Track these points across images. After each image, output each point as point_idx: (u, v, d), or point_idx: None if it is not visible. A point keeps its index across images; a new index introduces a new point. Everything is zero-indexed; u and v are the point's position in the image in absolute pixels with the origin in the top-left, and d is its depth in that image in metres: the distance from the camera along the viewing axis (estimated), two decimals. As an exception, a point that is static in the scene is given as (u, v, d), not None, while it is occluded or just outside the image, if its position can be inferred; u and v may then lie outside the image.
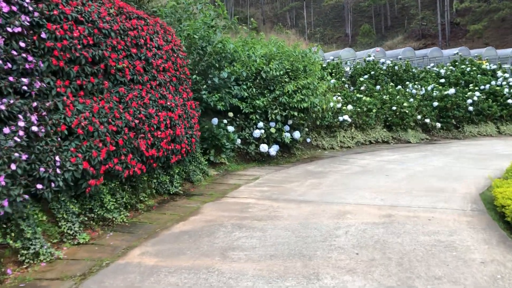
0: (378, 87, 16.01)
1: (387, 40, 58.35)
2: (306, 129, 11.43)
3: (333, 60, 18.96)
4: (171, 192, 6.55)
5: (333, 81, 16.10)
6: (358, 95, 14.17)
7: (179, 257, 4.02)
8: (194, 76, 8.30)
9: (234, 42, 9.48)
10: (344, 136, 12.55)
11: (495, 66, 17.61)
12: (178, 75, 7.04)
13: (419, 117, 13.89)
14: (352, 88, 17.11)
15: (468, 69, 17.49)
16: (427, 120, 14.12)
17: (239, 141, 9.44)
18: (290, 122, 10.13)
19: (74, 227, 4.42)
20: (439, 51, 23.71)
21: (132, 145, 5.36)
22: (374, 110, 13.31)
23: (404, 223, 4.97)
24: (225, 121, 9.36)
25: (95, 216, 4.85)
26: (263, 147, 9.36)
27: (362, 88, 15.72)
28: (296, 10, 76.42)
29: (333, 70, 17.90)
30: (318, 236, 4.55)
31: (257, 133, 9.44)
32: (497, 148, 11.67)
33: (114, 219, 5.01)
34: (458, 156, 10.30)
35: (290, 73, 9.82)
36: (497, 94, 15.30)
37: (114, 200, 5.19)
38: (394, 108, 13.72)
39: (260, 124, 9.55)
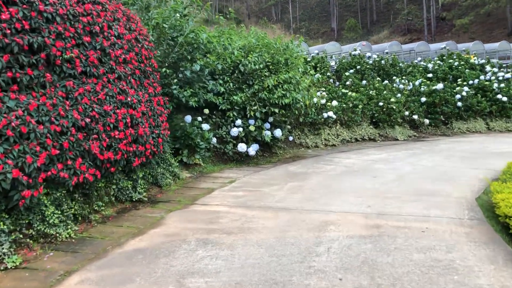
0: (364, 82, 15.42)
1: (373, 35, 57.98)
2: (289, 127, 10.78)
3: (317, 54, 18.32)
4: (134, 199, 5.82)
5: (317, 75, 15.47)
6: (343, 90, 13.55)
7: (125, 287, 3.31)
8: (164, 69, 7.55)
9: (208, 32, 8.74)
10: (329, 133, 11.92)
11: (483, 61, 17.14)
12: (142, 67, 6.29)
13: (406, 113, 13.33)
14: (337, 83, 16.51)
15: (456, 63, 17.01)
16: (415, 116, 13.57)
17: (215, 140, 8.72)
18: (270, 119, 9.45)
19: (2, 249, 3.68)
20: (426, 45, 23.22)
21: (81, 147, 4.62)
22: (360, 106, 12.71)
23: (394, 236, 4.33)
24: (199, 118, 8.64)
25: (34, 232, 4.12)
26: (241, 147, 8.66)
27: (347, 83, 15.11)
28: (282, 4, 75.67)
29: (318, 65, 17.26)
30: (296, 254, 3.89)
31: (234, 131, 8.74)
32: (488, 145, 11.15)
33: (57, 235, 4.27)
34: (448, 154, 9.74)
35: (270, 67, 9.12)
36: (486, 89, 14.82)
37: (59, 212, 4.45)
38: (381, 104, 13.13)
39: (238, 121, 8.85)
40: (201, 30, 8.01)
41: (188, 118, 8.14)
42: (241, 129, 8.82)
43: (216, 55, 8.68)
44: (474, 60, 17.23)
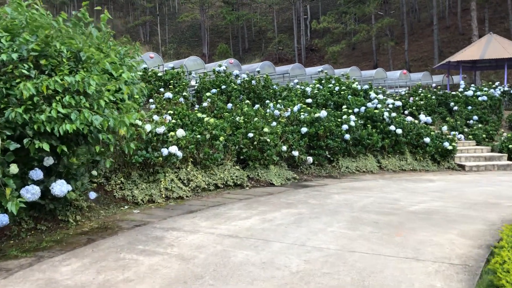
0: (230, 105, 11.70)
1: (245, 62, 56.27)
2: (95, 172, 6.37)
3: (173, 68, 14.23)
4: None
5: (168, 94, 11.35)
6: (199, 114, 9.59)
7: None
8: None
9: None
10: (172, 180, 7.74)
11: (366, 86, 14.73)
12: None
13: (284, 148, 9.81)
14: (197, 106, 12.58)
15: (337, 88, 14.30)
16: (295, 153, 10.12)
17: None
18: (48, 161, 5.00)
19: None
20: (301, 68, 20.75)
21: None
22: (222, 138, 8.83)
23: None
24: None
25: None
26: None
27: (204, 104, 11.23)
28: (151, 26, 71.10)
29: (172, 82, 13.16)
30: None
31: None
32: (395, 196, 8.01)
33: None
34: (351, 218, 6.22)
35: (41, 63, 4.71)
36: (375, 119, 12.13)
37: None
38: (250, 135, 9.43)
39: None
40: None
41: None
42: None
43: None
44: (357, 85, 14.75)
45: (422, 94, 17.46)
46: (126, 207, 6.86)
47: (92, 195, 5.80)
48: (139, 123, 7.10)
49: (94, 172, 6.53)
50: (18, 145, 4.35)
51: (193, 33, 69.14)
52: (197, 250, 4.59)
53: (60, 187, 4.97)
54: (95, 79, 4.85)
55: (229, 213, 6.47)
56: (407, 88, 25.88)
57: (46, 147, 4.45)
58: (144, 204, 7.09)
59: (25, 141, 4.43)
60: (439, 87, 19.49)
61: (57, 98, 4.61)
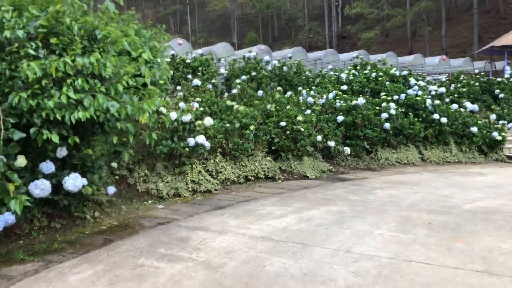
0: (260, 93, 11.04)
1: (275, 50, 55.31)
2: (115, 165, 5.86)
3: (201, 55, 13.64)
4: None
5: (196, 81, 10.80)
6: (228, 102, 8.97)
7: None
8: None
9: None
10: (200, 172, 7.16)
11: (405, 72, 13.76)
12: None
13: (319, 138, 9.10)
14: (226, 94, 11.98)
15: (374, 74, 13.41)
16: (331, 143, 9.39)
17: None
18: (62, 152, 4.49)
19: None
20: (335, 54, 19.81)
21: None
22: (252, 127, 8.20)
23: None
24: None
25: None
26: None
27: (234, 91, 10.60)
28: (181, 16, 70.91)
29: (201, 69, 12.59)
30: None
31: None
32: (446, 193, 7.19)
33: None
34: (400, 217, 5.49)
35: (51, 42, 4.16)
36: (417, 107, 11.22)
37: None
38: (283, 124, 8.77)
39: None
40: None
41: None
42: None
43: None
44: (395, 71, 13.80)
45: (464, 81, 16.32)
46: (150, 201, 6.33)
47: (111, 190, 5.28)
48: (164, 110, 6.54)
49: (114, 164, 6.02)
50: (24, 135, 3.83)
51: (222, 22, 68.55)
52: (227, 255, 3.99)
53: (73, 182, 4.45)
54: (112, 61, 4.28)
55: (262, 210, 5.84)
56: (447, 74, 24.54)
57: (55, 138, 3.92)
58: (169, 198, 6.55)
59: (31, 130, 3.91)
60: (482, 73, 18.24)
61: (69, 81, 4.06)
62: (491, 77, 19.05)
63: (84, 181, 4.70)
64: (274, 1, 58.79)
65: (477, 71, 19.63)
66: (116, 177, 6.41)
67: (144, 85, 4.91)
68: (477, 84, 15.96)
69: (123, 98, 4.51)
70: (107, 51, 4.52)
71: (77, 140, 4.23)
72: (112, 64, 4.27)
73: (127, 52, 4.91)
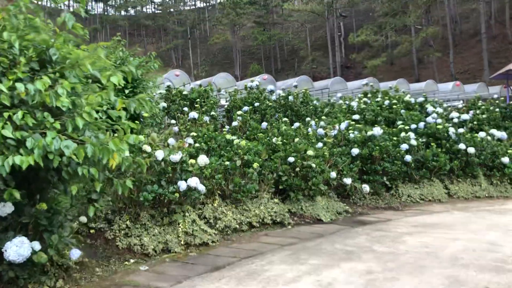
0: (264, 124, 9.99)
1: (278, 81, 54.88)
2: (84, 219, 4.75)
3: (200, 86, 12.70)
4: None
5: (193, 114, 9.79)
6: (228, 136, 7.90)
7: None
8: None
9: None
10: (194, 221, 6.00)
11: (421, 99, 12.73)
12: None
13: (333, 174, 7.95)
14: (227, 127, 10.93)
15: (387, 102, 12.38)
16: (347, 180, 8.24)
17: None
18: (5, 209, 3.40)
19: None
20: (342, 82, 18.92)
21: None
22: (256, 165, 7.08)
23: None
24: None
25: None
26: None
27: (234, 123, 9.55)
28: (183, 50, 71.15)
29: (199, 100, 11.60)
30: None
31: None
32: (490, 238, 5.98)
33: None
34: (447, 279, 4.29)
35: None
36: (439, 136, 10.10)
37: None
38: (291, 159, 7.65)
39: None
40: None
41: None
42: None
43: None
44: (409, 97, 12.77)
45: (483, 107, 15.23)
46: (132, 261, 5.16)
47: (75, 254, 4.12)
48: (148, 149, 5.46)
49: (83, 219, 4.88)
50: None
51: (224, 55, 68.64)
52: None
53: (17, 249, 3.32)
54: (67, 86, 3.24)
55: (269, 271, 4.65)
56: (462, 101, 23.54)
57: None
58: (156, 255, 5.38)
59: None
60: (502, 98, 17.21)
61: (6, 115, 3.01)
62: (508, 101, 17.98)
63: (36, 246, 3.57)
64: (276, 33, 58.83)
65: (496, 95, 18.54)
66: (92, 230, 5.28)
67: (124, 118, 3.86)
68: (497, 109, 14.86)
69: (86, 135, 3.45)
70: (66, 77, 3.49)
71: (17, 195, 3.13)
72: (66, 90, 3.22)
73: (96, 79, 3.88)
